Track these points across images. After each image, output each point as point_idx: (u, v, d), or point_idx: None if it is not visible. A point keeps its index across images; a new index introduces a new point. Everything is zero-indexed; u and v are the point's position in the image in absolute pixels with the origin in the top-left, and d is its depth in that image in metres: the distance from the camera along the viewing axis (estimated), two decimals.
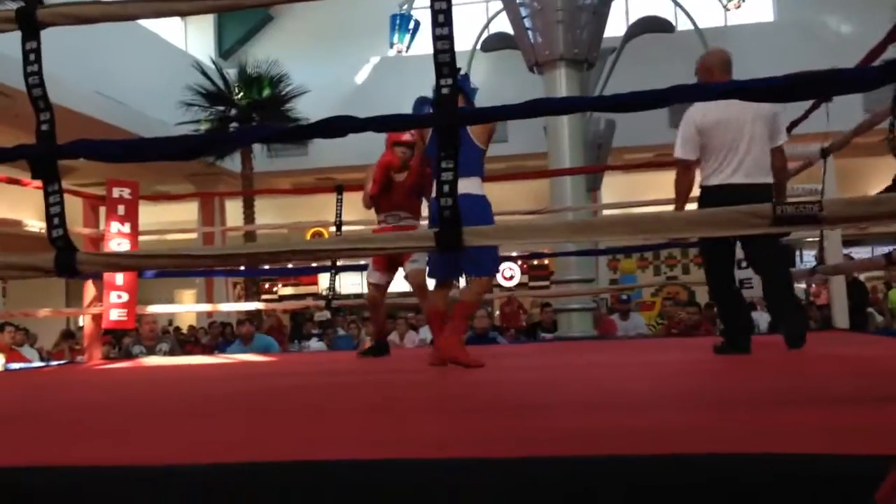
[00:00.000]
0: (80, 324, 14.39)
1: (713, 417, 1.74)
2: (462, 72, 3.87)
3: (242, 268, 13.45)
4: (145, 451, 1.59)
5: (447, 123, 1.82)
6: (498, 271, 4.40)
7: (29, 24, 1.97)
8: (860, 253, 12.75)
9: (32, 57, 1.95)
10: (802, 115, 4.70)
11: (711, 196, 3.84)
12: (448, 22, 1.86)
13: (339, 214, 6.27)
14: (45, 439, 1.80)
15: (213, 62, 15.21)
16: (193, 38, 17.44)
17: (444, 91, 1.87)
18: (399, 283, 4.88)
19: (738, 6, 15.27)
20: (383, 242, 1.94)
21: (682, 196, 3.97)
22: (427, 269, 4.18)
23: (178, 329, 13.74)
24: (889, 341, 4.83)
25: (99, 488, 1.35)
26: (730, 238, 3.82)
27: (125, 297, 6.09)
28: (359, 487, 1.26)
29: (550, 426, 1.71)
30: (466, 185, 3.55)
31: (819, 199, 1.63)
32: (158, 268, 2.04)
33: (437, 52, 1.88)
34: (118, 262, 1.94)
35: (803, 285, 13.06)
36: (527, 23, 10.31)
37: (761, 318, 8.79)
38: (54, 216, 1.91)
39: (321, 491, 1.27)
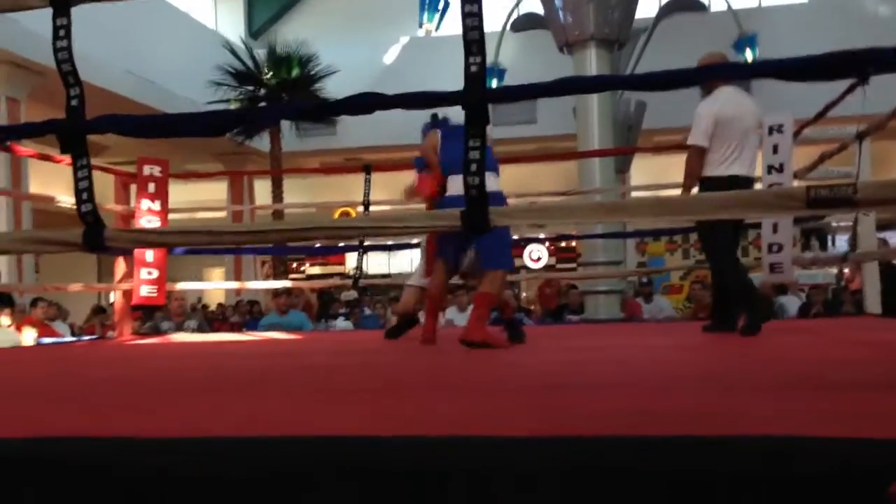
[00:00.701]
0: (111, 300, 14.57)
1: (738, 401, 1.73)
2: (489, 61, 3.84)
3: (271, 245, 13.57)
4: (171, 423, 1.61)
5: (476, 100, 1.81)
6: (514, 267, 4.41)
7: (60, 1, 1.98)
8: (895, 236, 12.53)
9: (62, 33, 1.96)
10: (838, 98, 4.62)
11: (722, 185, 4.04)
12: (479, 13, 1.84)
13: (367, 194, 6.27)
14: (77, 412, 1.83)
15: (243, 41, 15.24)
16: (223, 17, 17.48)
17: (473, 69, 1.85)
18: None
19: None
20: (409, 221, 1.94)
21: (694, 177, 4.22)
22: (438, 248, 4.21)
23: (205, 307, 13.87)
24: None
25: (129, 458, 1.36)
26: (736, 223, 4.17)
27: (155, 273, 6.15)
28: (380, 465, 1.26)
29: (573, 405, 1.71)
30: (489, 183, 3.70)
31: (853, 182, 1.60)
32: (185, 244, 2.05)
33: (466, 30, 1.86)
34: (145, 238, 1.96)
35: (835, 270, 12.91)
36: (557, 2, 10.21)
37: (790, 301, 8.69)
38: (83, 191, 1.93)
39: (341, 467, 1.27)
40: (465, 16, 1.86)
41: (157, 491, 1.30)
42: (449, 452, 1.28)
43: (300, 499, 1.24)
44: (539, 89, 1.82)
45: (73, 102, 1.96)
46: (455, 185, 3.86)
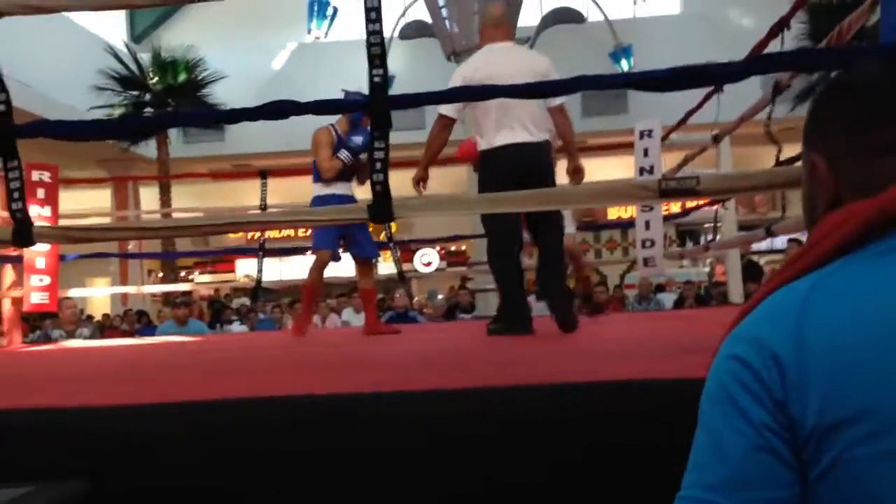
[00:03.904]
0: None
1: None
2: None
3: (160, 252, 13.32)
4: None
5: (380, 108, 2.05)
6: (378, 255, 5.04)
7: None
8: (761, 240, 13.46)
9: None
10: (697, 105, 5.09)
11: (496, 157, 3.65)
12: (379, 18, 2.09)
13: (263, 199, 6.40)
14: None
15: (126, 45, 14.93)
16: (104, 21, 17.03)
17: (377, 80, 2.10)
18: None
19: None
20: (321, 215, 2.16)
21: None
22: (315, 243, 4.53)
23: (90, 318, 13.51)
24: None
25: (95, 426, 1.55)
26: (519, 214, 3.61)
27: (47, 280, 6.07)
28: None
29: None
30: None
31: (697, 175, 1.93)
32: (113, 240, 2.16)
33: (369, 46, 2.10)
34: (73, 234, 2.10)
35: (707, 269, 13.79)
36: (444, 12, 10.57)
37: (667, 297, 9.30)
38: (14, 191, 2.06)
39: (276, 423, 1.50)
40: (368, 34, 2.10)
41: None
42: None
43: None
44: (438, 96, 2.08)
45: (1, 108, 2.09)
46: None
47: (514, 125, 3.56)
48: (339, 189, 4.52)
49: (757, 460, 0.73)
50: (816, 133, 0.87)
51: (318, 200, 4.47)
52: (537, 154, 3.58)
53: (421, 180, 3.82)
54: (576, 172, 3.67)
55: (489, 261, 3.82)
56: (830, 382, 0.71)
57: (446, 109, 3.54)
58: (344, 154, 4.45)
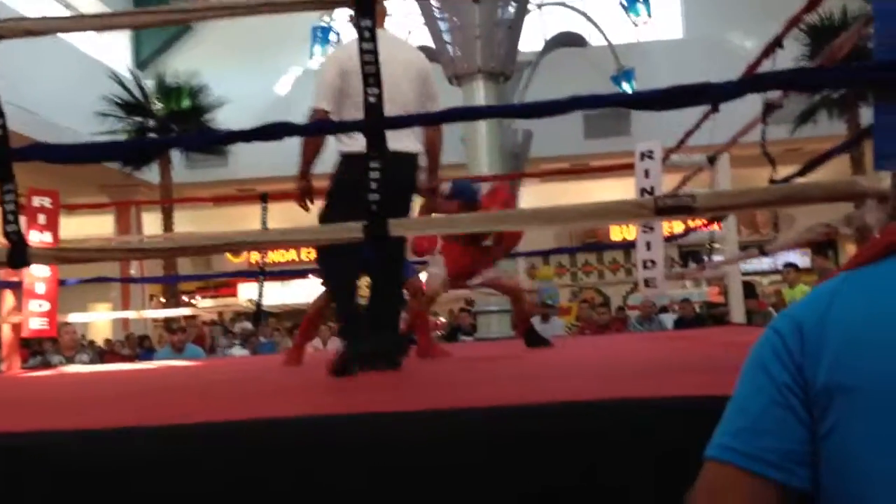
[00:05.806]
0: None
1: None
2: None
3: (161, 276, 13.34)
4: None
5: (375, 127, 2.04)
6: (414, 273, 4.56)
7: None
8: (762, 262, 13.43)
9: None
10: (694, 126, 5.10)
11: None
12: (373, 38, 2.09)
13: (264, 222, 6.37)
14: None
15: (130, 72, 15.02)
16: (109, 48, 17.17)
17: (371, 99, 2.10)
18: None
19: (647, 22, 15.86)
20: (313, 234, 2.15)
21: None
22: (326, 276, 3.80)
23: (92, 343, 13.48)
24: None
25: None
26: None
27: (46, 305, 6.06)
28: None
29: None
30: None
31: (693, 193, 1.91)
32: (109, 259, 2.15)
33: (363, 65, 2.10)
34: (68, 255, 2.09)
35: (706, 288, 13.76)
36: (446, 37, 10.64)
37: (667, 318, 9.27)
38: (8, 213, 2.05)
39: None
40: (362, 52, 2.10)
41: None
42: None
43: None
44: (430, 118, 2.07)
45: None
46: None
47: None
48: None
49: (775, 415, 0.85)
50: None
51: None
52: (414, 169, 2.98)
53: (303, 193, 3.26)
54: (433, 192, 3.30)
55: (328, 287, 3.18)
56: (841, 349, 0.82)
57: (319, 100, 2.90)
58: None
